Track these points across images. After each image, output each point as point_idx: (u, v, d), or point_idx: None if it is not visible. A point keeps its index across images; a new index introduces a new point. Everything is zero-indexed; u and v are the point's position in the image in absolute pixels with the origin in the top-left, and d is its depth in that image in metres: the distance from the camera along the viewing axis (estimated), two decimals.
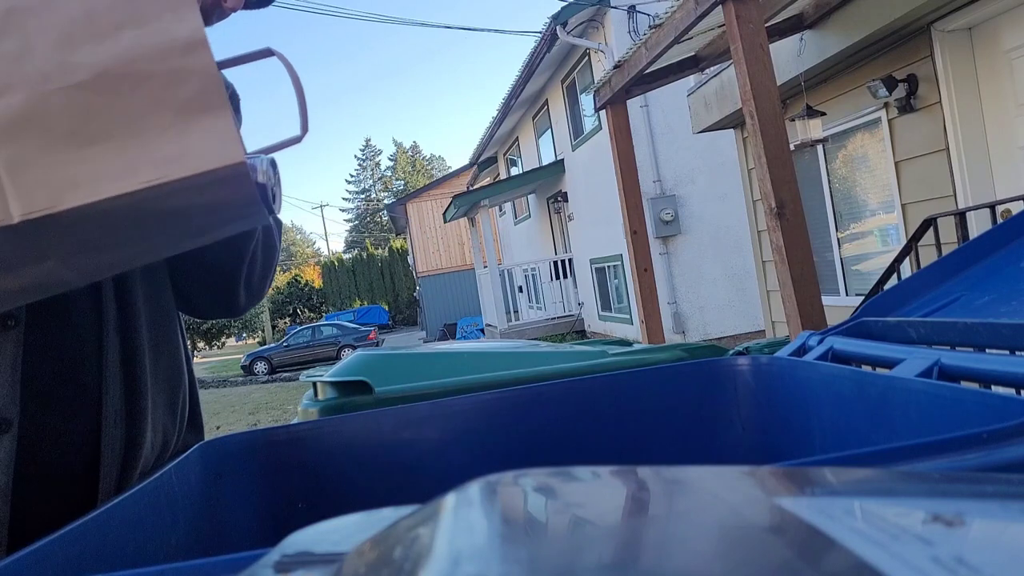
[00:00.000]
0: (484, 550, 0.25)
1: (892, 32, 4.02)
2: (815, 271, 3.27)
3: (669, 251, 8.92)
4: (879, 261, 4.79)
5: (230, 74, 0.82)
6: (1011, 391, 0.79)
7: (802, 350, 1.17)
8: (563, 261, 12.26)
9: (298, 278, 35.27)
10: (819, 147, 5.02)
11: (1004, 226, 1.24)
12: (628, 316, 9.67)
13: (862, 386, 0.88)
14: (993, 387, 0.86)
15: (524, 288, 14.18)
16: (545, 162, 12.76)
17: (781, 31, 4.48)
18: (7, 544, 0.74)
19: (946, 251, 2.49)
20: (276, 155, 0.68)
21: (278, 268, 1.04)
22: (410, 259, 27.69)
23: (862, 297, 4.39)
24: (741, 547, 0.25)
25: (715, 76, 5.59)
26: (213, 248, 0.81)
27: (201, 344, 29.22)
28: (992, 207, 3.17)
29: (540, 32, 9.71)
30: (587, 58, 9.80)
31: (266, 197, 0.64)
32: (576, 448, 1.08)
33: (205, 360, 27.57)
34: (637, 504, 0.33)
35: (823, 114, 4.59)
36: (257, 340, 31.93)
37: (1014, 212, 2.66)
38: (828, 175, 5.38)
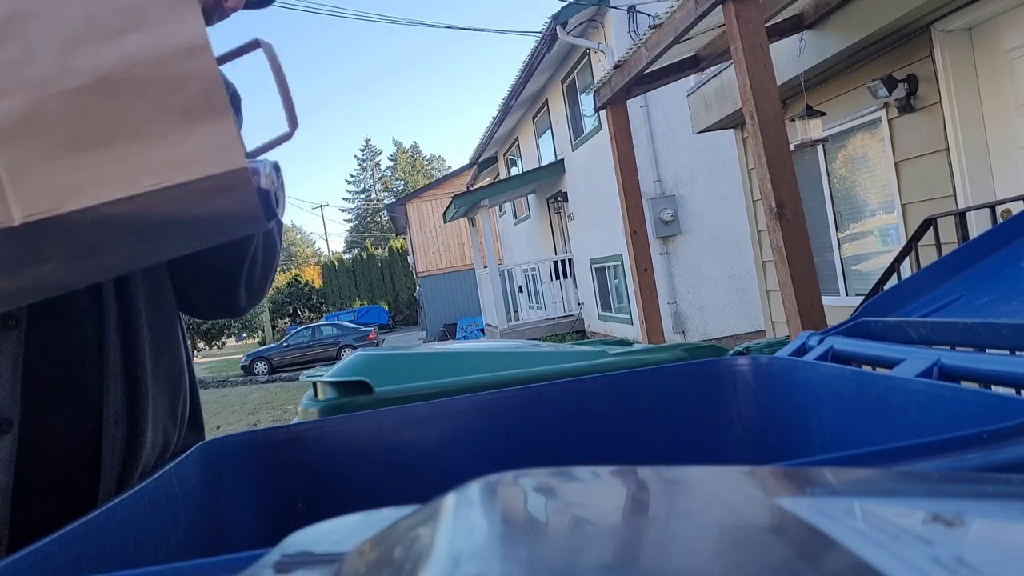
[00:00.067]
0: (484, 550, 0.25)
1: (892, 32, 4.02)
2: (815, 271, 3.27)
3: (669, 251, 8.92)
4: (879, 261, 4.79)
5: (232, 74, 0.82)
6: (1011, 391, 0.79)
7: (802, 350, 1.17)
8: (563, 261, 12.26)
9: (298, 278, 35.27)
10: (819, 147, 5.02)
11: (1004, 226, 1.24)
12: (628, 316, 9.67)
13: (862, 386, 0.88)
14: (993, 387, 0.86)
15: (524, 288, 14.18)
16: (545, 162, 12.76)
17: (781, 31, 4.48)
18: (8, 544, 0.74)
19: (946, 251, 2.49)
20: (275, 155, 0.68)
21: (278, 268, 1.04)
22: (410, 259, 27.70)
23: (862, 297, 4.39)
24: (741, 547, 0.25)
25: (715, 76, 5.59)
26: (214, 249, 0.81)
27: (201, 344, 29.24)
28: (992, 207, 3.17)
29: (540, 32, 9.71)
30: (587, 58, 9.80)
31: (269, 202, 0.64)
32: (576, 448, 1.08)
33: (205, 360, 27.57)
34: (637, 504, 0.33)
35: (823, 114, 4.59)
36: (257, 340, 31.93)
37: (1014, 212, 2.66)
38: (828, 175, 5.38)
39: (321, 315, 32.40)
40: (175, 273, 0.94)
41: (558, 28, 9.13)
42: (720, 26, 4.15)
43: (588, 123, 10.20)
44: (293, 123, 0.65)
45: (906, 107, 4.25)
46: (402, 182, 57.59)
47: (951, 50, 3.96)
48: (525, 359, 2.62)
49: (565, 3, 8.91)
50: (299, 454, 1.00)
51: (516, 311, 14.39)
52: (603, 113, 5.34)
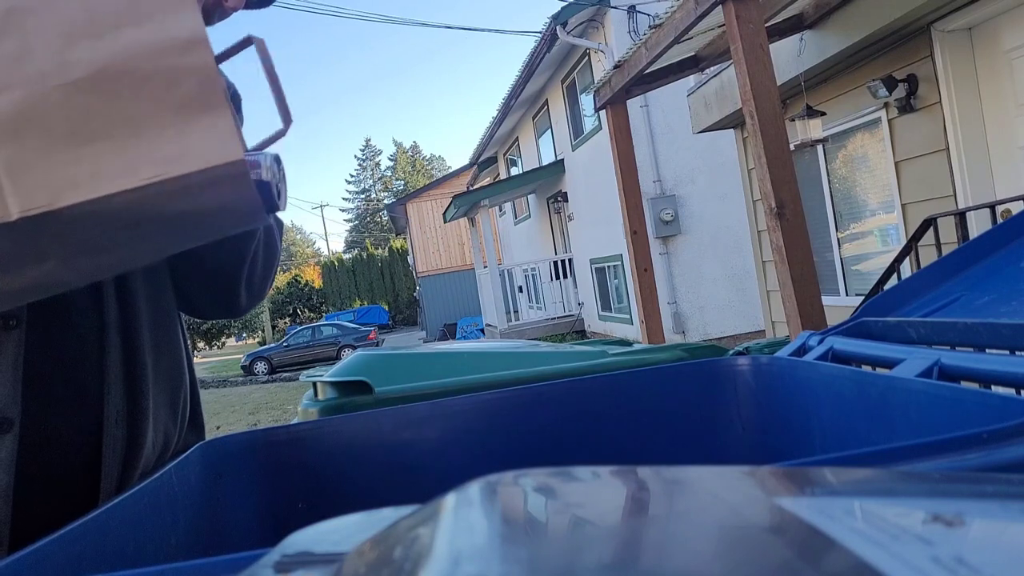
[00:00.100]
0: (484, 550, 0.25)
1: (892, 32, 4.02)
2: (815, 271, 3.27)
3: (669, 251, 8.92)
4: (879, 261, 4.79)
5: (233, 75, 0.82)
6: (1011, 391, 0.79)
7: (802, 350, 1.17)
8: (563, 261, 12.26)
9: (298, 278, 35.27)
10: (819, 147, 5.02)
11: (1004, 226, 1.24)
12: (628, 316, 9.67)
13: (862, 386, 0.88)
14: (993, 387, 0.86)
15: (524, 288, 14.18)
16: (545, 162, 12.76)
17: (781, 31, 4.48)
18: (8, 544, 0.74)
19: (946, 251, 2.49)
20: (275, 152, 0.68)
21: (278, 268, 1.04)
22: (410, 259, 27.69)
23: (862, 297, 4.39)
24: (741, 547, 0.25)
25: (715, 76, 5.59)
26: (214, 249, 0.81)
27: (201, 344, 29.24)
28: (992, 207, 3.17)
29: (540, 32, 9.71)
30: (587, 58, 9.80)
31: (271, 194, 0.64)
32: (576, 448, 1.08)
33: (205, 360, 27.58)
34: (637, 504, 0.33)
35: (823, 114, 4.59)
36: (257, 340, 31.93)
37: (1014, 212, 2.66)
38: (828, 175, 5.38)
39: (321, 315, 32.40)
40: (176, 273, 0.94)
41: (558, 28, 9.13)
42: (720, 26, 4.15)
43: (588, 123, 10.20)
44: (287, 119, 0.65)
45: (906, 107, 4.25)
46: (402, 182, 57.59)
47: (951, 50, 3.96)
48: (525, 359, 2.62)
49: (565, 3, 8.91)
50: (299, 454, 1.00)
51: (516, 311, 14.38)
52: (603, 113, 5.34)
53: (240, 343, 37.25)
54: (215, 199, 0.58)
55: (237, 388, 15.50)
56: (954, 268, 1.25)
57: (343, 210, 60.71)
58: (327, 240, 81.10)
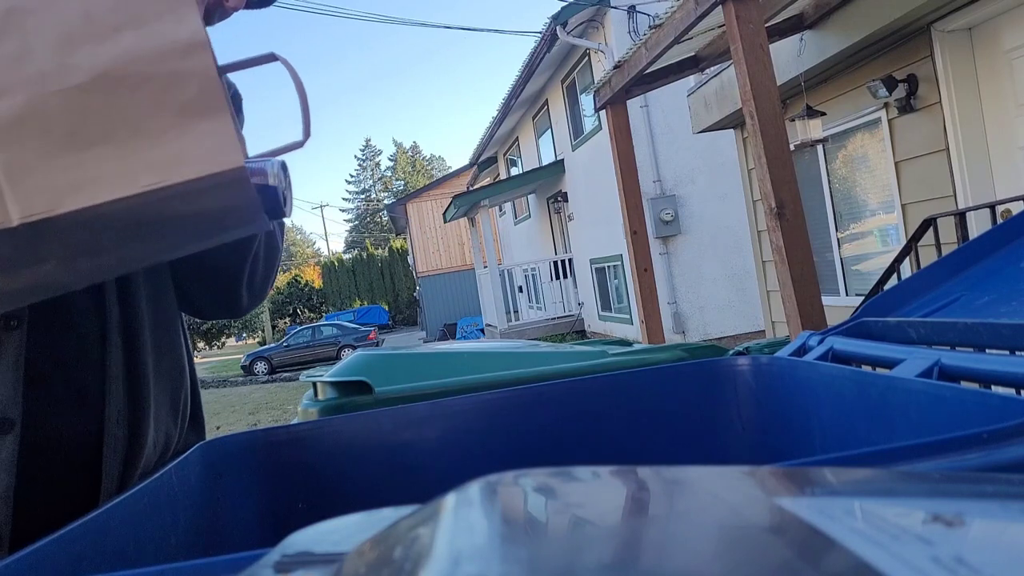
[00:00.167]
0: (484, 550, 0.25)
1: (892, 32, 4.02)
2: (815, 271, 3.27)
3: (669, 251, 8.92)
4: (879, 261, 4.79)
5: (233, 76, 0.82)
6: (1011, 391, 0.79)
7: (802, 350, 1.17)
8: (563, 261, 12.26)
9: (298, 278, 35.26)
10: (819, 147, 5.02)
11: (1004, 226, 1.24)
12: (628, 316, 9.67)
13: (862, 386, 0.88)
14: (993, 387, 0.86)
15: (524, 288, 14.18)
16: (545, 162, 12.76)
17: (781, 31, 4.48)
18: (9, 544, 0.74)
19: (946, 251, 2.49)
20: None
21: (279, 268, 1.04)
22: (410, 259, 27.69)
23: (862, 297, 4.39)
24: (741, 547, 0.25)
25: (715, 76, 5.59)
26: (215, 249, 0.81)
27: (201, 344, 29.24)
28: (992, 207, 3.17)
29: (540, 32, 9.71)
30: (587, 58, 9.80)
31: (277, 201, 0.64)
32: (576, 448, 1.08)
33: (205, 360, 27.57)
34: (637, 504, 0.33)
35: (823, 114, 4.59)
36: (257, 340, 31.94)
37: (1014, 212, 2.66)
38: (828, 175, 5.38)
39: (321, 315, 32.39)
40: (177, 273, 0.94)
41: (558, 28, 9.13)
42: (720, 26, 4.15)
43: (588, 123, 10.20)
44: (307, 132, 0.65)
45: (906, 107, 4.25)
46: (402, 182, 57.59)
47: (951, 50, 3.96)
48: (525, 359, 2.62)
49: (565, 3, 8.91)
50: (299, 454, 1.00)
51: (516, 311, 14.39)
52: (603, 113, 5.34)
53: (240, 343, 37.25)
54: (216, 204, 0.58)
55: (237, 388, 15.50)
56: (954, 268, 1.25)
57: (343, 210, 60.78)
58: (327, 240, 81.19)
